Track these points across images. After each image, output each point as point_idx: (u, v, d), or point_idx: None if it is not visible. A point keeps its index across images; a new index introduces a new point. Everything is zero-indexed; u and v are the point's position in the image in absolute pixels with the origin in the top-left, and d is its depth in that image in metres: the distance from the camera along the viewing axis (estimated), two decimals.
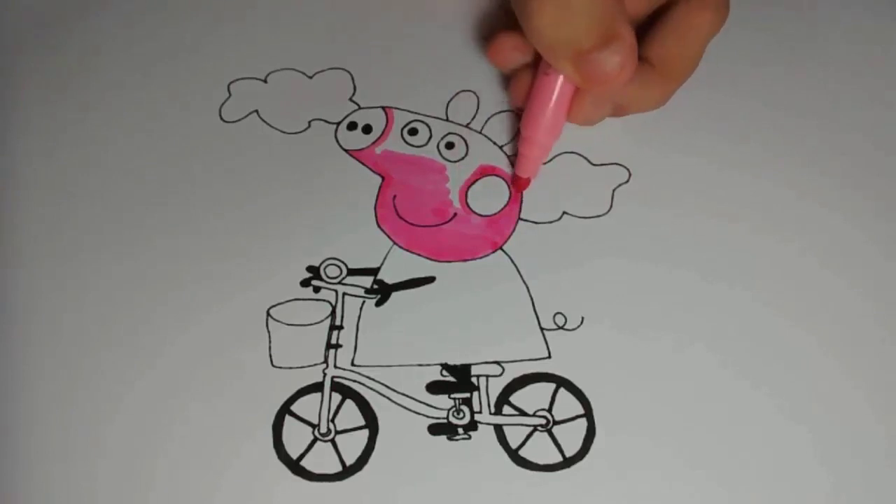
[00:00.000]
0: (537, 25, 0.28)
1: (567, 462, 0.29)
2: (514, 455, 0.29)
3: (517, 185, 0.33)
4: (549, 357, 0.30)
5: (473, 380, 0.30)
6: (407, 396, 0.30)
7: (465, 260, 0.32)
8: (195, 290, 0.31)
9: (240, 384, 0.30)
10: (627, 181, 0.33)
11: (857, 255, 0.32)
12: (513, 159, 0.34)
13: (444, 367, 0.30)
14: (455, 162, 0.34)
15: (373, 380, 0.30)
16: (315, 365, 0.30)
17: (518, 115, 0.34)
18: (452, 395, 0.30)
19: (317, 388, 0.30)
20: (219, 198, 0.33)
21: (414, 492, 0.28)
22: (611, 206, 0.33)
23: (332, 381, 0.30)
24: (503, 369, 0.30)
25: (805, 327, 0.30)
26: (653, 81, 0.31)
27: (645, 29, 0.32)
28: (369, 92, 0.35)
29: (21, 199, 0.33)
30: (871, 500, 0.28)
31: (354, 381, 0.30)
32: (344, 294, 0.31)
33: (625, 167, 0.33)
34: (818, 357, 0.30)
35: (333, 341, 0.31)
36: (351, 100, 0.35)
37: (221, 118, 0.35)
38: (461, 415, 0.29)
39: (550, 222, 0.32)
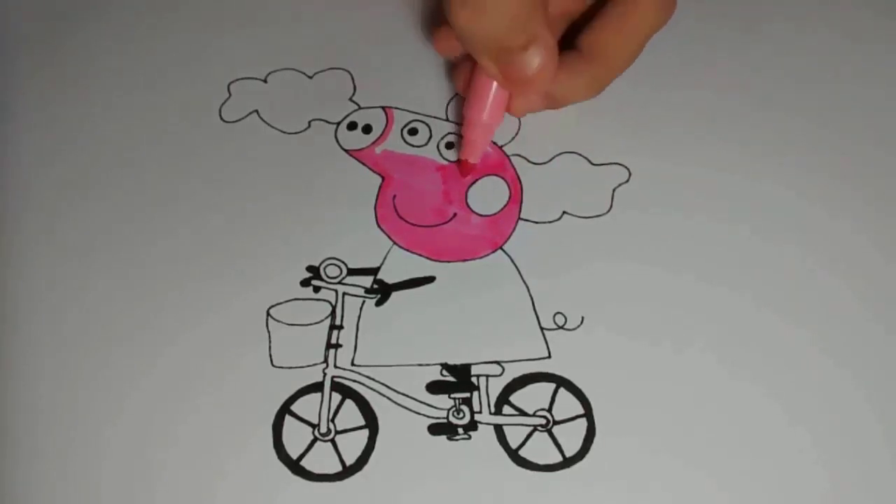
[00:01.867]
0: (457, 24, 0.28)
1: (567, 462, 0.29)
2: (514, 455, 0.29)
3: (463, 169, 0.33)
4: (549, 357, 0.30)
5: (473, 380, 0.30)
6: (407, 396, 0.30)
7: (465, 260, 0.32)
8: (195, 289, 0.31)
9: (240, 384, 0.30)
10: (627, 181, 0.33)
11: (858, 257, 0.32)
12: (513, 159, 0.34)
13: (444, 366, 0.30)
14: (455, 162, 0.34)
15: (373, 380, 0.30)
16: (315, 365, 0.30)
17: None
18: (452, 395, 0.30)
19: (317, 387, 0.30)
20: (219, 198, 0.33)
21: (414, 492, 0.28)
22: (611, 206, 0.33)
23: (332, 381, 0.30)
24: (503, 369, 0.30)
25: (804, 327, 0.30)
26: (581, 71, 0.31)
27: (585, 19, 0.32)
28: (369, 92, 0.35)
29: (21, 199, 0.33)
30: (870, 501, 0.28)
31: (354, 380, 0.30)
32: (344, 294, 0.31)
33: (625, 167, 0.33)
34: (817, 358, 0.30)
35: (333, 341, 0.31)
36: (351, 100, 0.35)
37: (221, 118, 0.35)
38: (461, 415, 0.29)
39: (550, 222, 0.32)
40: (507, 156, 0.34)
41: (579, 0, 0.32)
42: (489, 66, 0.30)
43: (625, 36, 0.31)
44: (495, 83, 0.31)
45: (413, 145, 0.34)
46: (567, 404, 0.29)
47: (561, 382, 0.30)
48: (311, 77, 0.35)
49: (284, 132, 0.34)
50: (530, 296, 0.31)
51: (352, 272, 0.32)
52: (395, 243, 0.32)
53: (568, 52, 0.31)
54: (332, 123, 0.34)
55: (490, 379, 0.30)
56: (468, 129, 0.32)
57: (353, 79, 0.35)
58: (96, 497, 0.28)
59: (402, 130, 0.34)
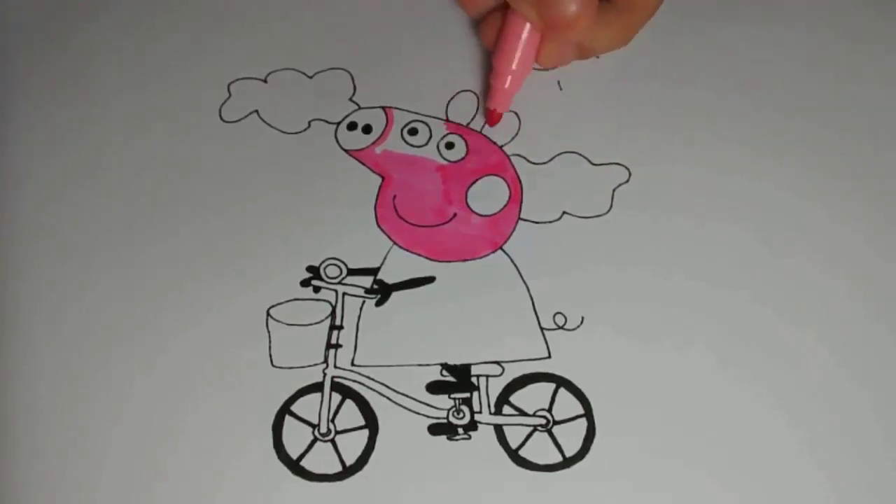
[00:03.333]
0: None
1: (567, 462, 0.29)
2: (514, 455, 0.29)
3: (490, 118, 0.33)
4: (549, 357, 0.30)
5: (473, 380, 0.30)
6: (407, 396, 0.30)
7: (465, 260, 0.32)
8: (195, 289, 0.31)
9: (240, 384, 0.30)
10: (627, 181, 0.33)
11: (858, 258, 0.32)
12: (513, 159, 0.34)
13: (444, 367, 0.30)
14: (455, 162, 0.34)
15: (373, 380, 0.30)
16: (315, 365, 0.30)
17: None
18: (452, 395, 0.30)
19: (317, 388, 0.30)
20: (219, 198, 0.33)
21: (414, 492, 0.28)
22: (611, 206, 0.33)
23: (332, 381, 0.30)
24: (503, 369, 0.30)
25: (804, 327, 0.30)
26: (614, 20, 0.32)
27: None
28: (369, 92, 0.35)
29: (22, 200, 0.33)
30: (870, 501, 0.28)
31: (354, 381, 0.30)
32: (344, 294, 0.31)
33: (625, 167, 0.33)
34: (817, 358, 0.30)
35: (333, 341, 0.31)
36: (351, 100, 0.35)
37: (221, 118, 0.35)
38: (461, 415, 0.29)
39: (550, 222, 0.32)
40: (507, 156, 0.34)
41: None
42: (528, 10, 0.30)
43: None
44: (525, 32, 0.31)
45: (413, 145, 0.34)
46: (567, 404, 0.29)
47: (561, 382, 0.30)
48: (311, 77, 0.35)
49: (284, 132, 0.34)
50: (530, 296, 0.31)
51: (352, 272, 0.32)
52: (395, 243, 0.32)
53: (602, 3, 0.31)
54: (332, 123, 0.34)
55: (490, 379, 0.30)
56: (497, 77, 0.32)
57: (353, 79, 0.35)
58: (96, 497, 0.28)
59: (402, 130, 0.34)
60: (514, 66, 0.32)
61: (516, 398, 0.30)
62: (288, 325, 0.31)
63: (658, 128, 0.34)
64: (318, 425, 0.29)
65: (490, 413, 0.30)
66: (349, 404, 0.30)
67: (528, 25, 0.31)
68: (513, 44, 0.31)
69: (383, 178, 0.33)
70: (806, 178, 0.33)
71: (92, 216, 0.33)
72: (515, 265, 0.32)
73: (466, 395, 0.30)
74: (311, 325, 0.31)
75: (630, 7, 0.32)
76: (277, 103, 0.35)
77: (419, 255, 0.32)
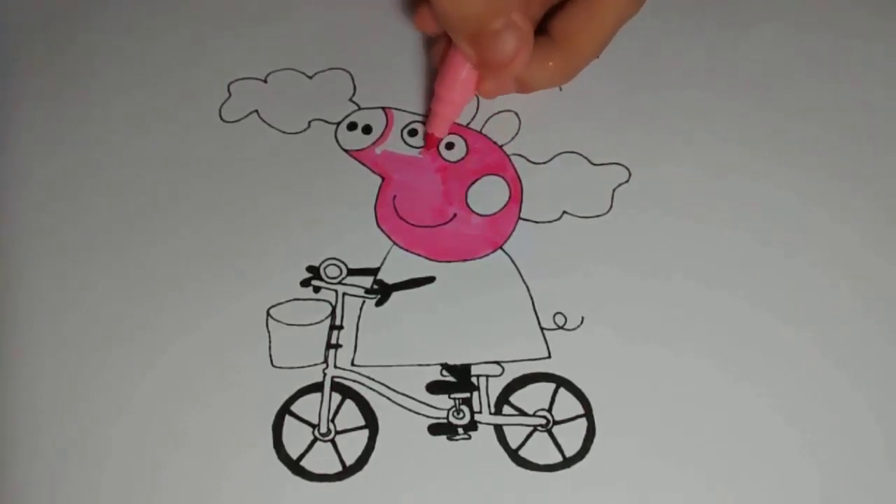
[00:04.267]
0: (437, 4, 0.29)
1: (567, 462, 0.29)
2: (514, 455, 0.29)
3: (428, 142, 0.33)
4: (549, 357, 0.30)
5: (473, 380, 0.30)
6: (407, 396, 0.30)
7: (465, 260, 0.32)
8: (195, 290, 0.31)
9: (240, 384, 0.30)
10: (627, 181, 0.33)
11: (858, 258, 0.32)
12: (513, 158, 0.34)
13: (444, 367, 0.30)
14: (455, 162, 0.34)
15: (373, 380, 0.30)
16: (315, 365, 0.30)
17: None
18: (452, 395, 0.30)
19: (317, 388, 0.30)
20: (219, 198, 0.33)
21: (414, 492, 0.28)
22: (611, 206, 0.33)
23: (332, 381, 0.30)
24: (503, 369, 0.30)
25: (804, 328, 0.30)
26: (553, 56, 0.32)
27: (557, 6, 0.32)
28: (369, 92, 0.35)
29: (22, 200, 0.33)
30: (869, 501, 0.28)
31: (354, 381, 0.30)
32: (344, 294, 0.31)
33: (625, 167, 0.33)
34: (817, 359, 0.30)
35: (333, 341, 0.31)
36: (351, 100, 0.35)
37: (221, 118, 0.35)
38: (461, 415, 0.29)
39: (550, 222, 0.32)
40: (508, 155, 0.34)
41: None
42: (465, 48, 0.30)
43: (595, 23, 0.31)
44: (466, 65, 0.31)
45: (413, 146, 0.34)
46: (567, 404, 0.29)
47: (561, 382, 0.30)
48: (311, 77, 0.35)
49: (284, 132, 0.34)
50: (530, 296, 0.31)
51: (352, 272, 0.32)
52: (395, 243, 0.32)
53: (539, 38, 0.31)
54: (332, 123, 0.34)
55: (490, 379, 0.30)
56: (437, 103, 0.32)
57: (353, 79, 0.35)
58: (97, 497, 0.28)
59: (402, 131, 0.34)
60: (454, 96, 0.32)
61: (516, 398, 0.30)
62: (288, 325, 0.31)
63: (658, 128, 0.34)
64: (318, 425, 0.29)
65: (490, 413, 0.30)
66: (349, 404, 0.30)
67: (467, 64, 0.31)
68: (454, 74, 0.31)
69: (383, 179, 0.33)
70: (806, 179, 0.33)
71: (92, 216, 0.33)
72: (515, 265, 0.32)
73: (466, 395, 0.30)
74: (311, 325, 0.31)
75: (569, 48, 0.31)
76: (277, 103, 0.35)
77: (419, 255, 0.32)
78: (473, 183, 0.33)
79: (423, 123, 0.34)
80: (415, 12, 0.33)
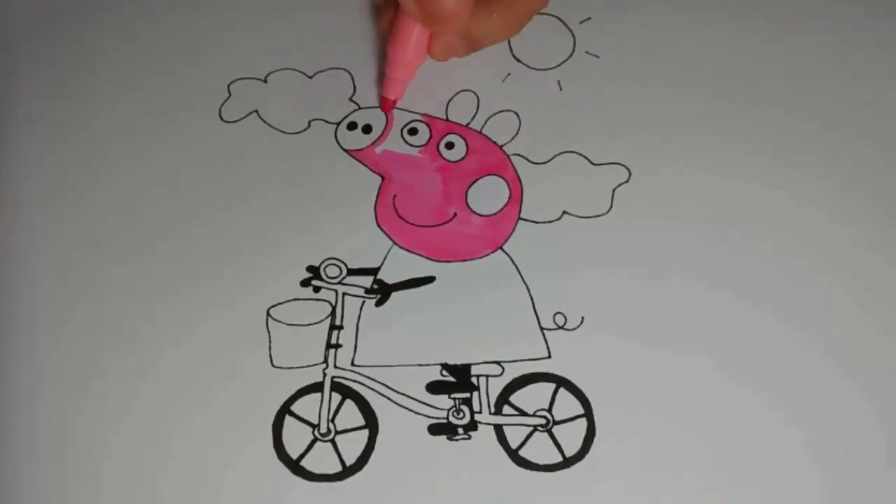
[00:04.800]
0: None
1: (567, 462, 0.29)
2: (514, 455, 0.29)
3: (384, 105, 0.34)
4: (549, 357, 0.30)
5: (473, 380, 0.30)
6: (407, 396, 0.30)
7: (465, 260, 0.32)
8: (195, 290, 0.31)
9: (240, 384, 0.30)
10: (627, 181, 0.33)
11: (859, 259, 0.32)
12: (513, 158, 0.34)
13: (444, 367, 0.30)
14: (455, 162, 0.34)
15: (373, 380, 0.30)
16: (315, 365, 0.30)
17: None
18: (452, 395, 0.30)
19: (317, 388, 0.30)
20: (219, 198, 0.33)
21: (414, 492, 0.28)
22: (611, 206, 0.33)
23: (332, 381, 0.30)
24: (503, 369, 0.30)
25: (804, 328, 0.30)
26: (497, 9, 0.32)
27: None
28: (369, 92, 0.35)
29: (22, 200, 0.33)
30: (869, 502, 0.28)
31: (354, 381, 0.30)
32: (344, 294, 0.31)
33: (625, 167, 0.33)
34: (817, 359, 0.30)
35: (333, 341, 0.31)
36: (351, 100, 0.35)
37: (221, 118, 0.35)
38: (461, 415, 0.29)
39: (550, 222, 0.32)
40: (507, 155, 0.34)
41: None
42: (409, 5, 0.31)
43: None
44: (416, 27, 0.32)
45: (413, 145, 0.34)
46: (567, 404, 0.29)
47: (561, 382, 0.30)
48: (311, 77, 0.35)
49: (284, 132, 0.34)
50: (530, 296, 0.31)
51: (352, 272, 0.32)
52: (395, 243, 0.32)
53: None
54: (332, 123, 0.34)
55: (490, 379, 0.30)
56: (390, 67, 0.33)
57: (353, 79, 0.35)
58: (97, 497, 0.28)
59: (402, 130, 0.34)
60: (406, 56, 0.33)
61: (516, 398, 0.30)
62: (288, 325, 0.31)
63: (658, 128, 0.34)
64: (318, 425, 0.29)
65: (490, 413, 0.30)
66: (349, 404, 0.30)
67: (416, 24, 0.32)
68: (405, 35, 0.32)
69: (383, 178, 0.33)
70: (806, 179, 0.33)
71: (92, 216, 0.33)
72: (515, 265, 0.32)
73: (466, 395, 0.30)
74: (311, 325, 0.31)
75: (511, 1, 0.32)
76: (277, 103, 0.35)
77: (419, 255, 0.32)
78: (473, 183, 0.33)
79: (424, 122, 0.34)
80: None
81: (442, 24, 0.31)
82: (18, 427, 0.29)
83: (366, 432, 0.29)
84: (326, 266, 0.32)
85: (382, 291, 0.31)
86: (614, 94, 0.35)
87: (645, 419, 0.29)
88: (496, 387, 0.30)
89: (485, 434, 0.29)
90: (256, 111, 0.35)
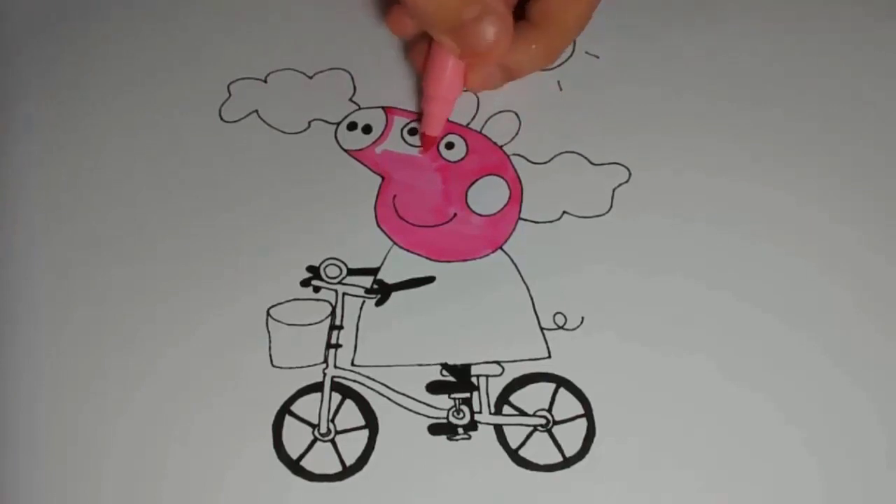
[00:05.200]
0: (411, 1, 0.29)
1: (567, 462, 0.29)
2: (514, 455, 0.29)
3: (425, 143, 0.33)
4: (549, 357, 0.30)
5: (473, 380, 0.30)
6: (407, 396, 0.30)
7: (465, 260, 0.32)
8: (195, 290, 0.31)
9: (240, 384, 0.30)
10: (627, 181, 0.33)
11: (859, 259, 0.32)
12: (513, 158, 0.34)
13: (444, 366, 0.30)
14: (455, 162, 0.34)
15: (373, 380, 0.30)
16: (315, 365, 0.30)
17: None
18: (452, 395, 0.30)
19: (317, 388, 0.30)
20: (219, 198, 0.33)
21: (414, 492, 0.28)
22: (611, 206, 0.33)
23: (332, 381, 0.30)
24: (503, 369, 0.30)
25: (804, 328, 0.30)
26: (535, 39, 0.32)
27: None
28: (369, 92, 0.35)
29: (22, 200, 0.33)
30: (869, 502, 0.28)
31: (354, 381, 0.30)
32: (344, 294, 0.31)
33: (625, 167, 0.33)
34: (817, 359, 0.30)
35: (333, 341, 0.31)
36: (351, 100, 0.35)
37: (221, 118, 0.35)
38: (461, 415, 0.29)
39: (550, 222, 0.32)
40: (508, 155, 0.34)
41: None
42: (445, 40, 0.30)
43: (573, 2, 0.31)
44: (451, 59, 0.31)
45: (413, 145, 0.34)
46: (567, 404, 0.29)
47: (561, 382, 0.30)
48: (311, 77, 0.35)
49: (284, 132, 0.34)
50: (530, 296, 0.31)
51: (352, 272, 0.32)
52: (395, 243, 0.32)
53: (520, 22, 0.31)
54: (332, 123, 0.34)
55: (490, 379, 0.30)
56: (427, 103, 0.33)
57: (353, 79, 0.35)
58: (97, 497, 0.28)
59: (402, 130, 0.34)
60: (443, 92, 0.32)
61: (516, 398, 0.30)
62: (288, 325, 0.31)
63: (658, 128, 0.34)
64: (318, 425, 0.29)
65: (490, 413, 0.30)
66: (349, 404, 0.30)
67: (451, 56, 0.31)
68: (440, 70, 0.32)
69: (383, 178, 0.33)
70: (806, 178, 0.33)
71: (92, 216, 0.33)
72: (515, 265, 0.32)
73: (466, 395, 0.30)
74: (311, 325, 0.31)
75: (549, 28, 0.32)
76: (277, 103, 0.35)
77: (419, 255, 0.32)
78: (473, 183, 0.33)
79: (417, 121, 0.34)
80: (387, 16, 0.33)
81: (482, 57, 0.30)
82: (18, 427, 0.29)
83: (366, 432, 0.29)
84: (326, 266, 0.32)
85: (382, 291, 0.31)
86: (614, 94, 0.35)
87: (645, 419, 0.29)
88: (496, 387, 0.30)
89: (485, 434, 0.29)
90: (256, 111, 0.35)
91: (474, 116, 0.34)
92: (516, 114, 0.34)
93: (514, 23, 0.30)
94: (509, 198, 0.33)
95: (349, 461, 0.29)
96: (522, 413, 0.30)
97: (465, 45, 0.30)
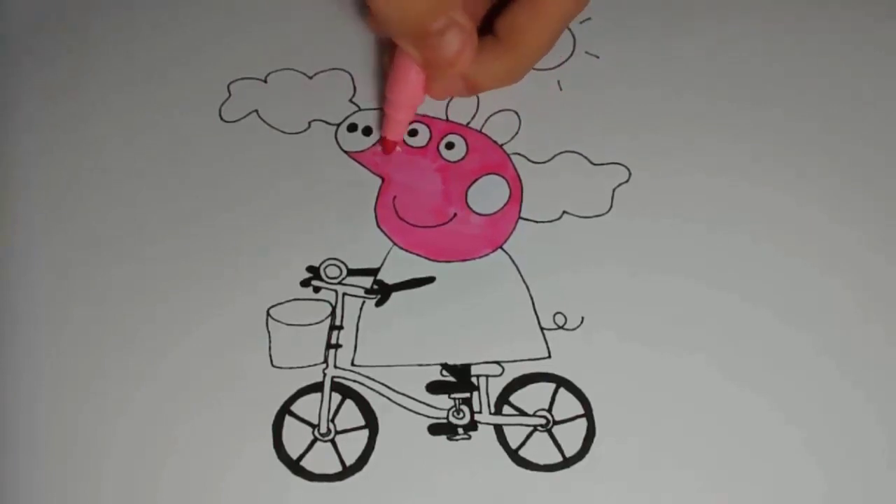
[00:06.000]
0: (376, 7, 0.29)
1: (567, 462, 0.29)
2: (514, 455, 0.29)
3: (385, 147, 0.33)
4: (549, 357, 0.30)
5: (473, 380, 0.30)
6: (407, 396, 0.30)
7: (465, 260, 0.32)
8: (195, 290, 0.31)
9: (240, 384, 0.30)
10: (627, 181, 0.33)
11: (859, 259, 0.32)
12: (513, 158, 0.34)
13: (444, 367, 0.30)
14: (455, 162, 0.34)
15: (373, 380, 0.30)
16: (315, 365, 0.30)
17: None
18: (452, 395, 0.30)
19: (317, 388, 0.30)
20: (219, 198, 0.33)
21: (414, 492, 0.28)
22: (611, 206, 0.33)
23: (332, 381, 0.30)
24: (503, 369, 0.30)
25: (804, 329, 0.30)
26: (499, 55, 0.31)
27: (501, 3, 0.32)
28: (369, 93, 0.35)
29: (21, 201, 0.33)
30: (869, 502, 0.28)
31: (354, 381, 0.30)
32: (344, 294, 0.31)
33: (625, 167, 0.33)
34: (817, 360, 0.30)
35: (333, 341, 0.31)
36: (351, 101, 0.35)
37: (221, 118, 0.35)
38: (461, 415, 0.29)
39: (550, 222, 0.32)
40: (508, 155, 0.34)
41: None
42: (409, 49, 0.30)
43: (541, 22, 0.31)
44: (413, 67, 0.31)
45: (413, 146, 0.34)
46: (567, 404, 0.29)
47: (561, 382, 0.30)
48: (311, 77, 0.35)
49: (284, 132, 0.34)
50: (530, 296, 0.31)
51: (352, 272, 0.32)
52: (395, 244, 0.32)
53: (485, 38, 0.31)
54: (332, 125, 0.34)
55: (490, 379, 0.30)
56: (389, 107, 0.32)
57: (353, 79, 0.35)
58: (97, 497, 0.28)
59: None
60: (404, 98, 0.32)
61: (516, 398, 0.30)
62: (288, 325, 0.31)
63: (658, 128, 0.34)
64: (318, 425, 0.29)
65: (490, 413, 0.30)
66: (349, 404, 0.30)
67: (413, 66, 0.31)
68: (403, 76, 0.31)
69: (383, 179, 0.33)
70: (806, 179, 0.33)
71: (92, 217, 0.33)
72: (515, 265, 0.32)
73: (466, 395, 0.30)
74: (311, 325, 0.31)
75: (515, 46, 0.31)
76: (277, 103, 0.35)
77: (419, 255, 0.32)
78: (473, 183, 0.33)
79: (424, 123, 0.34)
80: (367, 14, 0.33)
81: (444, 68, 0.30)
82: (18, 427, 0.29)
83: (366, 432, 0.29)
84: (326, 266, 0.32)
85: (382, 292, 0.31)
86: (614, 94, 0.35)
87: (645, 419, 0.29)
88: (496, 387, 0.30)
89: (485, 434, 0.29)
90: (256, 111, 0.35)
91: (474, 115, 0.34)
92: (516, 113, 0.34)
93: (479, 37, 0.30)
94: (509, 197, 0.33)
95: (349, 461, 0.29)
96: (522, 413, 0.30)
97: (428, 55, 0.30)
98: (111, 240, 0.32)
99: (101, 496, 0.28)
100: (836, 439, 0.29)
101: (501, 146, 0.34)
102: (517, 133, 0.34)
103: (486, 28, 0.32)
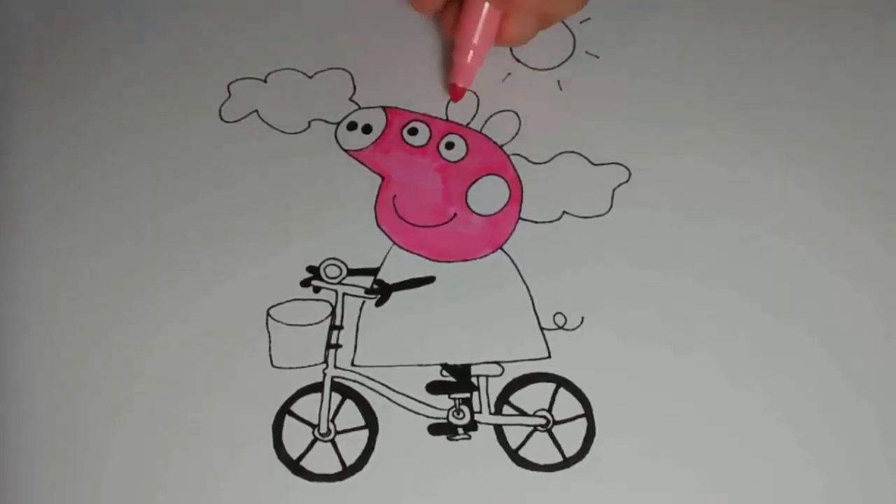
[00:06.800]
0: None
1: (567, 462, 0.29)
2: (514, 455, 0.29)
3: (454, 93, 0.34)
4: (549, 357, 0.30)
5: (473, 380, 0.30)
6: (407, 396, 0.30)
7: (465, 260, 0.32)
8: (195, 290, 0.31)
9: (240, 384, 0.30)
10: (627, 181, 0.33)
11: (860, 258, 0.32)
12: (513, 158, 0.34)
13: (444, 367, 0.30)
14: (455, 162, 0.34)
15: (373, 380, 0.30)
16: (315, 365, 0.30)
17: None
18: (452, 395, 0.30)
19: (317, 388, 0.30)
20: (218, 198, 0.33)
21: (414, 492, 0.28)
22: (611, 206, 0.33)
23: (332, 381, 0.30)
24: (503, 369, 0.30)
25: (805, 328, 0.30)
26: None
27: None
28: (369, 92, 0.35)
29: (22, 200, 0.33)
30: (869, 502, 0.28)
31: (354, 381, 0.30)
32: (344, 294, 0.31)
33: (625, 167, 0.33)
34: (818, 359, 0.30)
35: (333, 341, 0.31)
36: (351, 100, 0.35)
37: (221, 118, 0.35)
38: (461, 415, 0.29)
39: (550, 222, 0.32)
40: (508, 155, 0.34)
41: None
42: None
43: None
44: (484, 10, 0.32)
45: (413, 145, 0.34)
46: (567, 404, 0.29)
47: (561, 382, 0.30)
48: (311, 77, 0.35)
49: (284, 132, 0.34)
50: (530, 296, 0.31)
51: (352, 272, 0.32)
52: (395, 243, 0.32)
53: None
54: (332, 123, 0.34)
55: (490, 379, 0.30)
56: (459, 53, 0.33)
57: (353, 79, 0.35)
58: (97, 497, 0.28)
59: (402, 130, 0.34)
60: (475, 41, 0.33)
61: (516, 398, 0.30)
62: (288, 325, 0.31)
63: (658, 128, 0.34)
64: (318, 425, 0.29)
65: (490, 413, 0.30)
66: (349, 404, 0.30)
67: (486, 4, 0.32)
68: (473, 20, 0.32)
69: (383, 178, 0.33)
70: (807, 179, 0.33)
71: (92, 216, 0.33)
72: (515, 265, 0.32)
73: (466, 395, 0.30)
74: (311, 325, 0.31)
75: None
76: (277, 103, 0.35)
77: (419, 255, 0.32)
78: (473, 183, 0.33)
79: (424, 122, 0.34)
80: None
81: (517, 3, 0.31)
82: (18, 427, 0.29)
83: (366, 432, 0.29)
84: (326, 266, 0.32)
85: (382, 291, 0.31)
86: (614, 94, 0.35)
87: (645, 419, 0.29)
88: (496, 387, 0.30)
89: (485, 434, 0.29)
90: (256, 111, 0.35)
91: (474, 116, 0.34)
92: (516, 113, 0.34)
93: None
94: (509, 198, 0.33)
95: (349, 461, 0.29)
96: (522, 413, 0.30)
97: None
98: (111, 239, 0.32)
99: (101, 496, 0.28)
100: (835, 439, 0.29)
101: (501, 147, 0.34)
102: (517, 133, 0.34)
103: None
